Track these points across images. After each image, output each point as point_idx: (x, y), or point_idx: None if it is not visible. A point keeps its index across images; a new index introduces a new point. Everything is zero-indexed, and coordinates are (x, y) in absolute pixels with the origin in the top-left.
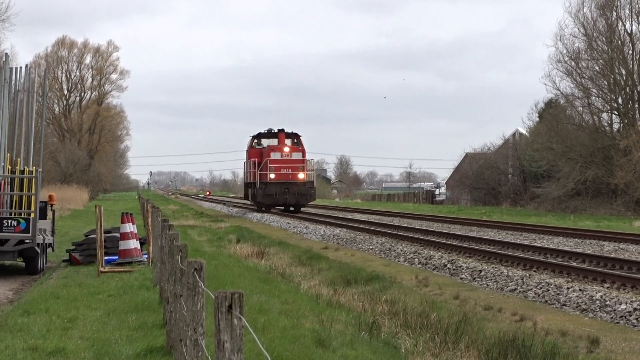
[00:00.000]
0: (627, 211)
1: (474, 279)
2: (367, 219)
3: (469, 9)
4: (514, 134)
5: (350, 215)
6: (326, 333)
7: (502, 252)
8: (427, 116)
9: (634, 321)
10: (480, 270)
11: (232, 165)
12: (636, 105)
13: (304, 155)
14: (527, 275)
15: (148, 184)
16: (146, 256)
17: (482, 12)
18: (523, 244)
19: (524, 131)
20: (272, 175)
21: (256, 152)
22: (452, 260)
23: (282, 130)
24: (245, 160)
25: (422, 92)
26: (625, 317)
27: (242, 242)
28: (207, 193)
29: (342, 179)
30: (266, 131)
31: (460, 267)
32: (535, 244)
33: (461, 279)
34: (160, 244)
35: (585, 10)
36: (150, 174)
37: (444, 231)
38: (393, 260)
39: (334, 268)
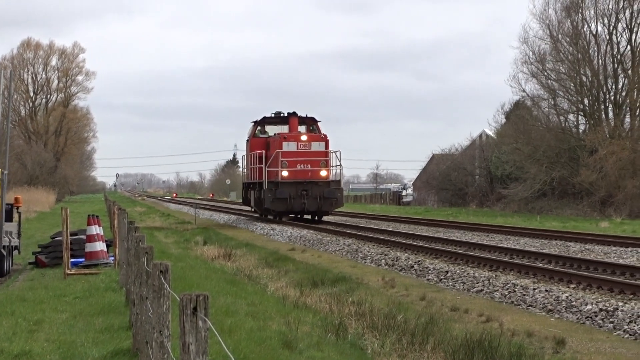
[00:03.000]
0: (593, 212)
1: (441, 280)
2: (333, 220)
3: (450, 8)
4: (480, 135)
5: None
6: (293, 335)
7: (469, 253)
8: (400, 117)
9: (600, 322)
10: (447, 271)
11: (199, 167)
12: (602, 106)
13: (327, 146)
14: (494, 276)
15: (115, 186)
16: (112, 258)
17: (463, 12)
18: (489, 244)
19: (490, 132)
20: (284, 173)
21: (261, 143)
22: (419, 261)
23: (294, 113)
24: (244, 153)
25: (396, 93)
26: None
27: (209, 244)
28: (174, 195)
29: None
30: (273, 115)
31: (426, 268)
32: (502, 245)
33: (428, 280)
34: (126, 246)
35: (550, 11)
36: (117, 175)
37: (411, 232)
38: (360, 261)
39: (300, 270)
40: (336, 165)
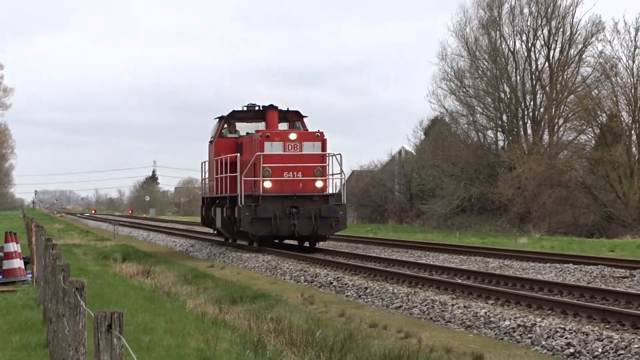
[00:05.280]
0: (512, 228)
1: (360, 296)
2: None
3: (378, 24)
4: (399, 151)
5: None
6: (211, 352)
7: (388, 269)
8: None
9: (518, 337)
10: (366, 288)
11: (118, 183)
12: (520, 123)
13: (324, 147)
14: (413, 292)
15: (33, 202)
16: (30, 276)
17: (391, 28)
18: (409, 261)
19: (409, 148)
20: (267, 184)
21: (230, 145)
22: (338, 277)
23: (272, 106)
24: (207, 160)
25: (321, 109)
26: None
27: (128, 260)
28: (93, 212)
29: None
30: (245, 108)
31: (346, 284)
32: (421, 261)
33: (347, 296)
34: (44, 263)
35: (467, 29)
36: (36, 192)
37: (330, 249)
38: (279, 278)
39: (219, 286)
40: (337, 174)
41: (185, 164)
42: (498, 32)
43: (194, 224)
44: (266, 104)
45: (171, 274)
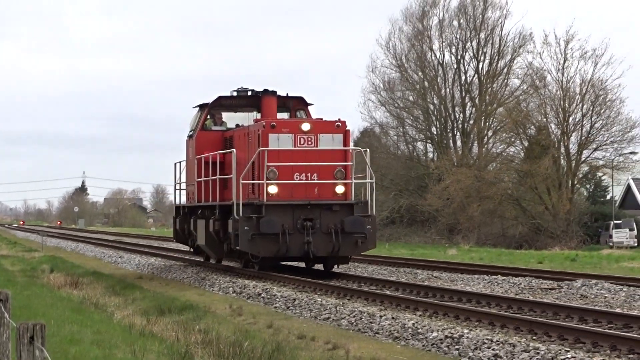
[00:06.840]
0: (441, 239)
1: (288, 307)
2: (182, 248)
3: (315, 34)
4: None
5: (165, 244)
6: None
7: (316, 280)
8: None
9: (445, 349)
10: (295, 299)
11: (47, 194)
12: (450, 134)
13: (346, 141)
14: (341, 303)
15: None
16: None
17: (328, 39)
18: (337, 272)
19: None
20: (273, 189)
21: (216, 140)
22: (267, 289)
23: (269, 91)
24: (183, 159)
25: None
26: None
27: (56, 271)
28: (21, 222)
29: (159, 207)
30: (234, 93)
31: (274, 295)
32: (350, 273)
33: (275, 307)
34: None
35: (395, 41)
36: None
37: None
38: (207, 289)
39: (148, 297)
40: (361, 176)
41: (115, 174)
42: (427, 44)
43: (123, 235)
44: (262, 89)
45: (99, 285)
